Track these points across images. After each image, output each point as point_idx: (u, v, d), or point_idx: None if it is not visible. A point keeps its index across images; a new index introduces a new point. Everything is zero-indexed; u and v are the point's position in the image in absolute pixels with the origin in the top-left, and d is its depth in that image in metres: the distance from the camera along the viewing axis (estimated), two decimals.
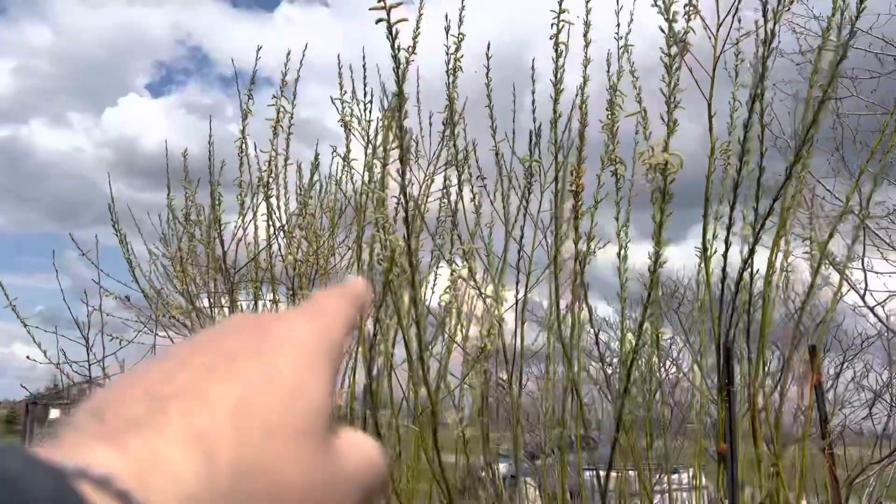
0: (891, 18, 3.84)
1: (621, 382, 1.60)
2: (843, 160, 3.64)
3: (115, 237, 3.30)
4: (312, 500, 0.27)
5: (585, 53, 1.91)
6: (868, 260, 3.37)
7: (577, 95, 2.40)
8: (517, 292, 2.22)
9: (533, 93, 2.45)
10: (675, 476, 3.50)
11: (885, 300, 3.61)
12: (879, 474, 5.46)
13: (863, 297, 3.18)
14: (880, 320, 3.51)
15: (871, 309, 3.29)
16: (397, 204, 2.52)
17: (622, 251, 2.08)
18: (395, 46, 1.47)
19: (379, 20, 1.47)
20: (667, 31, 1.43)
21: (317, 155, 2.68)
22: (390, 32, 1.48)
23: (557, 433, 2.54)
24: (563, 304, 2.11)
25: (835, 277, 2.28)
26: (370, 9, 1.47)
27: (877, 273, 3.94)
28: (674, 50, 1.48)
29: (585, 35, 1.91)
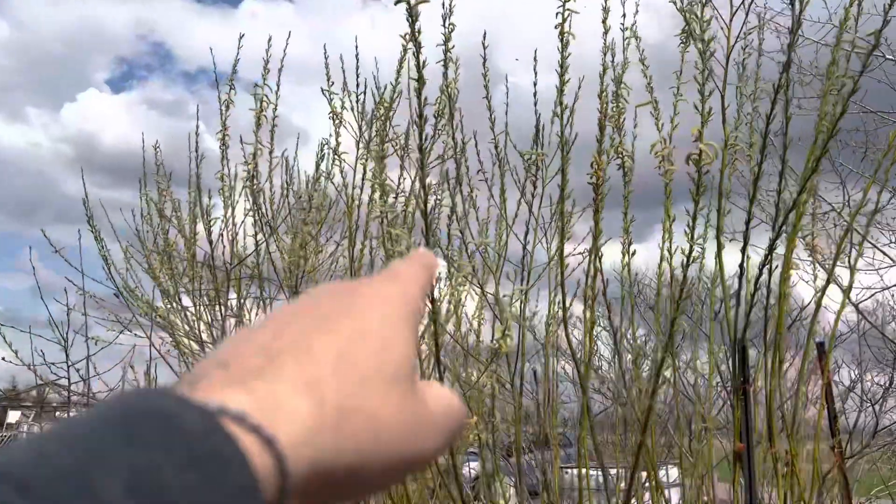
0: (870, 18, 3.88)
1: (643, 384, 1.55)
2: (829, 158, 3.67)
3: (84, 235, 3.15)
4: (404, 436, 0.31)
5: (604, 41, 1.86)
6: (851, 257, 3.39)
7: (578, 88, 2.35)
8: (521, 290, 2.16)
9: (534, 84, 2.39)
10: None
11: (867, 297, 3.65)
12: (850, 469, 5.54)
13: (847, 295, 3.19)
14: (864, 317, 3.54)
15: (856, 306, 3.32)
16: (395, 197, 2.45)
17: (629, 248, 2.03)
18: (416, 29, 1.39)
19: (398, 1, 1.39)
20: (699, 17, 1.38)
21: (321, 145, 2.57)
22: (410, 15, 1.40)
23: (559, 432, 2.49)
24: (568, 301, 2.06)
25: (822, 276, 2.27)
26: None
27: (857, 270, 3.98)
28: (700, 41, 1.42)
29: (604, 21, 1.85)
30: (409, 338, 0.34)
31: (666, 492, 2.22)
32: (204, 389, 0.27)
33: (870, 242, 3.79)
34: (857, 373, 5.51)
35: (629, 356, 2.03)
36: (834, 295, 2.54)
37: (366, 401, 0.30)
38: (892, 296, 4.99)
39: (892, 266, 4.24)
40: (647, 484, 2.10)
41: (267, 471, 0.26)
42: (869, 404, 5.23)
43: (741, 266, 1.73)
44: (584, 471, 2.06)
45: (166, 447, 0.24)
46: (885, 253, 4.19)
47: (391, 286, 0.36)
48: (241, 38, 3.03)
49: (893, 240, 4.23)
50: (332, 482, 0.28)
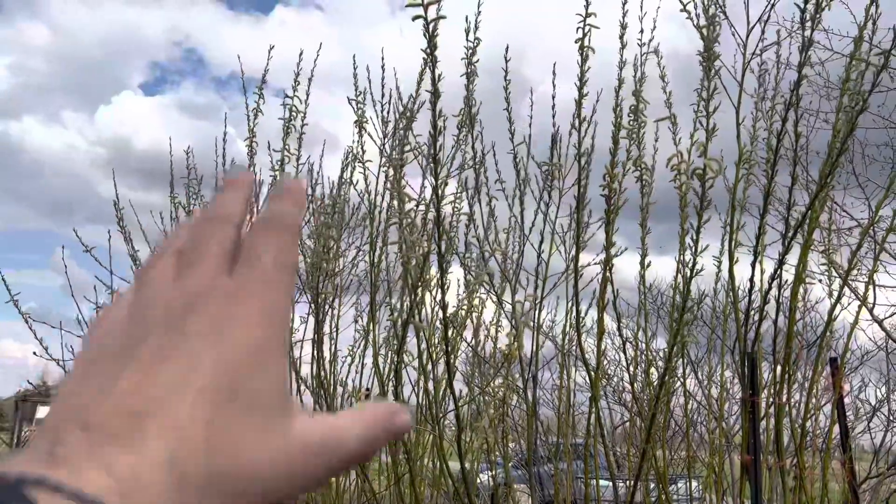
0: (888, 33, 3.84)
1: (648, 392, 1.57)
2: (854, 173, 3.65)
3: (114, 235, 3.25)
4: (273, 485, 0.29)
5: (621, 56, 1.89)
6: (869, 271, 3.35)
7: (596, 101, 2.39)
8: (536, 298, 2.20)
9: (553, 97, 2.43)
10: (672, 487, 3.47)
11: (891, 314, 3.61)
12: (876, 489, 5.44)
13: (871, 311, 3.16)
14: (888, 334, 3.50)
15: (880, 323, 3.28)
16: (417, 205, 2.50)
17: (644, 259, 2.06)
18: (432, 44, 1.44)
19: (416, 17, 1.44)
20: (705, 35, 1.41)
21: (346, 152, 2.64)
22: (427, 30, 1.45)
23: (572, 442, 2.51)
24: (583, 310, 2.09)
25: (845, 291, 2.27)
26: (407, 5, 1.44)
27: (881, 286, 3.94)
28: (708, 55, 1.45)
29: (621, 38, 1.89)
30: (279, 370, 0.31)
31: None
32: (64, 465, 0.26)
33: (891, 255, 3.75)
34: (883, 392, 5.42)
35: (642, 366, 2.05)
36: (853, 308, 2.53)
37: (234, 461, 0.28)
38: None
39: None
40: (654, 496, 2.12)
41: None
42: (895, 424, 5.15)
43: (751, 279, 1.75)
44: (592, 481, 2.08)
45: None
46: None
47: (250, 301, 0.31)
48: (270, 49, 3.13)
49: None
50: None
